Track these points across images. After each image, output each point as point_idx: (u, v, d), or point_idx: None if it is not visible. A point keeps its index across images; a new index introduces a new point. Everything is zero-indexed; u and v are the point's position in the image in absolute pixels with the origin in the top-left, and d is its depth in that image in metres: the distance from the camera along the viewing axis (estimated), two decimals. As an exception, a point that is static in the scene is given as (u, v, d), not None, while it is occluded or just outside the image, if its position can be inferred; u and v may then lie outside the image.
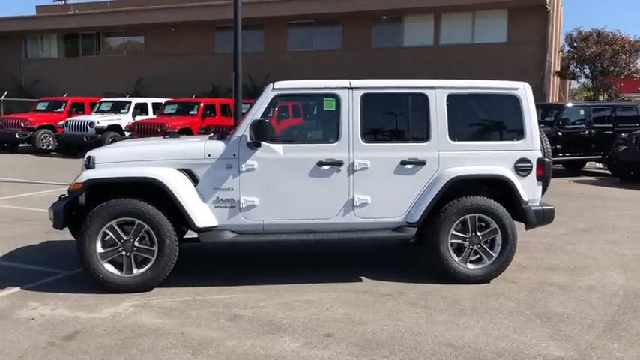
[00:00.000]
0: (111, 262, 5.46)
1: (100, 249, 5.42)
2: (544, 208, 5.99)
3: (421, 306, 5.21)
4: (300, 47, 26.18)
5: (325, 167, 5.62)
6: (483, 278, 5.84)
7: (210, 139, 5.85)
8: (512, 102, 5.94)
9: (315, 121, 5.79)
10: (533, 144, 5.95)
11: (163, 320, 4.80)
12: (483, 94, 5.95)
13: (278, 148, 5.58)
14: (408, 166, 5.73)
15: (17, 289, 5.56)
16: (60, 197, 6.22)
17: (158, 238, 5.42)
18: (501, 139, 5.96)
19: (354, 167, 5.65)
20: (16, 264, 6.41)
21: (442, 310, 5.10)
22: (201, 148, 5.59)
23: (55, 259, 6.61)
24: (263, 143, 5.50)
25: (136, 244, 5.45)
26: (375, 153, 5.69)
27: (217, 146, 5.60)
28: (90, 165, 5.50)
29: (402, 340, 4.46)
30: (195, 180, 5.53)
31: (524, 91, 5.97)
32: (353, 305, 5.20)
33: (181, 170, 5.52)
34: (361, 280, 5.91)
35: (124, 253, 5.45)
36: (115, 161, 5.55)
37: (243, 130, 5.57)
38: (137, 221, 5.41)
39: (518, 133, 5.94)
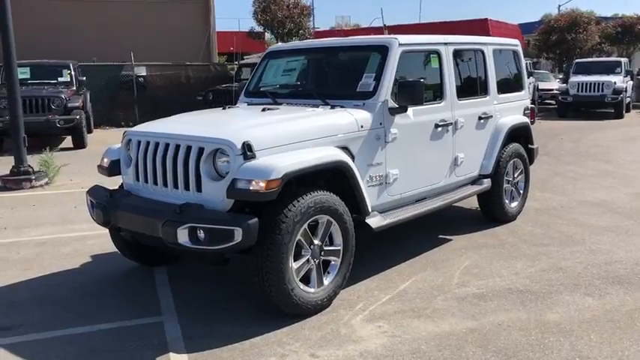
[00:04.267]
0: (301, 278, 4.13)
1: (293, 263, 4.02)
2: (536, 146, 7.11)
3: (543, 245, 5.73)
4: None
5: (439, 129, 5.40)
6: (517, 214, 6.66)
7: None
8: (517, 56, 6.78)
9: (423, 80, 5.32)
10: (528, 93, 6.96)
11: (473, 322, 4.03)
12: (504, 49, 6.57)
13: (410, 111, 5.06)
14: (482, 121, 6.00)
15: (185, 356, 3.63)
16: (105, 207, 4.29)
17: (344, 234, 4.35)
18: (516, 90, 6.73)
19: (456, 126, 5.60)
20: (72, 329, 4.03)
21: (577, 243, 5.75)
22: (353, 119, 4.61)
23: (102, 304, 4.42)
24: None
25: (324, 247, 4.25)
26: (465, 110, 5.74)
27: (366, 116, 4.70)
28: (251, 154, 3.90)
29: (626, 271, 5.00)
30: (352, 157, 4.56)
31: (519, 47, 6.86)
32: (519, 258, 5.33)
33: (341, 148, 4.47)
34: (451, 240, 5.93)
35: (313, 261, 4.18)
36: (275, 145, 4.07)
37: (385, 94, 4.82)
38: (326, 218, 4.20)
39: (522, 84, 6.84)
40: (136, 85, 18.01)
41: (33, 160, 9.25)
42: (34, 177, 8.98)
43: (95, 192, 4.69)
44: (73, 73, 14.41)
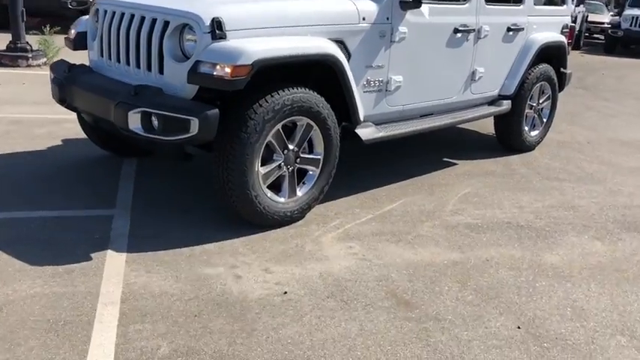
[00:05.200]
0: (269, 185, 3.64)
1: (261, 168, 3.52)
2: (569, 72, 6.33)
3: (558, 180, 5.13)
4: None
5: (458, 35, 4.69)
6: (536, 144, 6.00)
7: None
8: (561, -35, 5.90)
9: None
10: (569, 10, 6.11)
11: (457, 254, 3.55)
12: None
13: (425, 9, 4.35)
14: (511, 33, 5.24)
15: (124, 256, 3.22)
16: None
17: (326, 142, 3.81)
18: (556, 4, 5.90)
19: (479, 34, 4.87)
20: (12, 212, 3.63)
21: (597, 182, 5.15)
22: (354, 8, 3.94)
23: (55, 190, 4.00)
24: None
25: (301, 153, 3.72)
26: (493, 17, 5.00)
27: (371, 7, 4.02)
28: (221, 34, 3.30)
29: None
30: (348, 54, 3.93)
31: (566, -46, 5.96)
32: (528, 191, 4.76)
33: (334, 41, 3.83)
34: (456, 164, 5.34)
35: (286, 168, 3.67)
36: (253, 27, 3.46)
37: (396, -17, 4.11)
38: (306, 121, 3.65)
39: (563, -1, 5.99)
40: (160, -25, 17.07)
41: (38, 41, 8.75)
42: (31, 55, 8.49)
43: (57, 66, 4.18)
44: (91, -48, 13.59)
